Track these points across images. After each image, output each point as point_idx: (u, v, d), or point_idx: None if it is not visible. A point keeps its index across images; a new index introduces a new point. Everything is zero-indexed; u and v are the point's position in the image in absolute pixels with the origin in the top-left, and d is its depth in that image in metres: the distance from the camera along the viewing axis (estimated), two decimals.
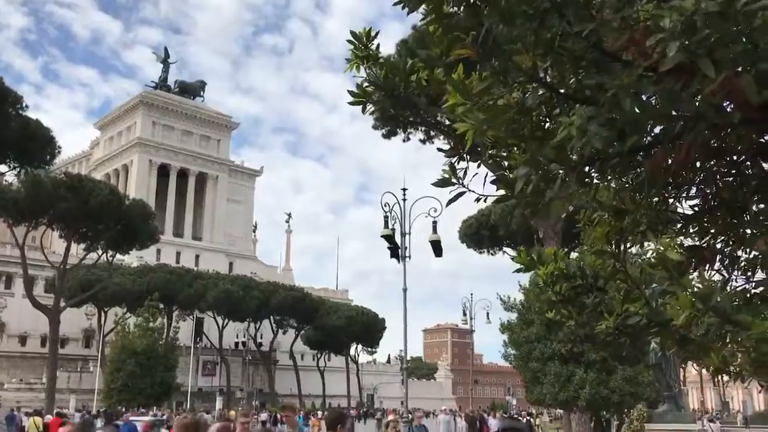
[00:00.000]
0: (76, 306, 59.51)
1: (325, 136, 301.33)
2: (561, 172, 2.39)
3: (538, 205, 2.56)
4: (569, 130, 2.22)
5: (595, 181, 3.06)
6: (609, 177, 3.08)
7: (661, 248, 3.41)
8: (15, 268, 69.55)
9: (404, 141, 37.39)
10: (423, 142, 37.38)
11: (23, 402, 54.26)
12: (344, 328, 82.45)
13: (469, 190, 2.57)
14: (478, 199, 2.59)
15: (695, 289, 2.72)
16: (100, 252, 51.25)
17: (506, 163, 2.69)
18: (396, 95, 2.75)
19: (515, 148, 2.57)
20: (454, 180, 2.56)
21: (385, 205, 22.74)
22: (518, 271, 3.41)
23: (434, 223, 23.39)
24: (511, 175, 2.54)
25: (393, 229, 23.02)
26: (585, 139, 2.19)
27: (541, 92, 2.46)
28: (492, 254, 49.97)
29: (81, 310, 71.18)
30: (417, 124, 37.37)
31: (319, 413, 54.59)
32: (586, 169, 2.68)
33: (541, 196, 2.50)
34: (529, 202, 2.55)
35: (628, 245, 3.58)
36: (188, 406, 57.91)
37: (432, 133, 37.13)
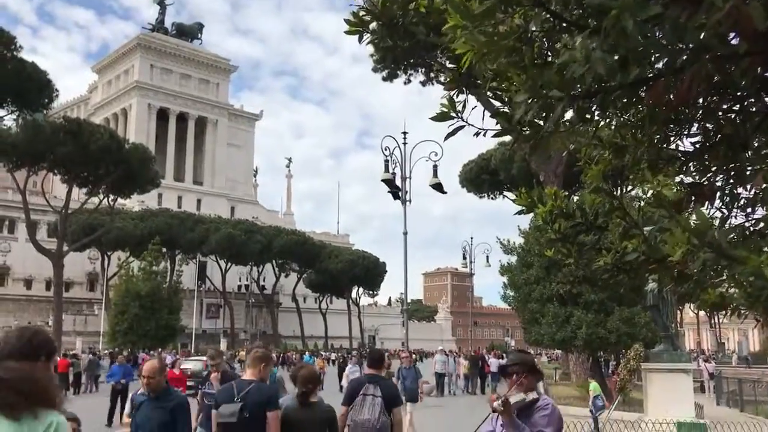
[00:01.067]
0: (79, 250, 59.98)
1: (326, 79, 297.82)
2: (561, 100, 2.34)
3: (537, 139, 2.53)
4: (571, 55, 2.18)
5: (596, 117, 3.02)
6: (610, 113, 3.04)
7: (660, 186, 3.40)
8: (17, 213, 69.74)
9: (405, 83, 36.93)
10: (423, 84, 36.92)
11: None
12: (345, 271, 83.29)
13: (469, 124, 2.54)
14: (477, 134, 2.56)
15: (692, 226, 2.71)
16: (101, 196, 51.31)
17: (506, 98, 2.65)
18: (394, 24, 2.67)
19: (515, 81, 2.52)
20: (452, 114, 2.52)
21: (386, 149, 22.65)
22: (519, 212, 3.41)
23: (435, 166, 23.33)
24: (510, 109, 2.50)
25: (394, 173, 22.99)
26: (588, 65, 2.15)
27: (544, 18, 2.40)
28: (492, 198, 50.07)
29: (84, 254, 71.77)
30: (417, 66, 36.87)
31: (323, 353, 55.65)
32: (587, 102, 2.64)
33: (540, 129, 2.47)
34: (528, 136, 2.52)
35: (627, 184, 3.57)
36: (192, 348, 58.89)
37: (432, 75, 36.64)
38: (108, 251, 68.61)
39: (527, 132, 2.54)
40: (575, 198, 3.87)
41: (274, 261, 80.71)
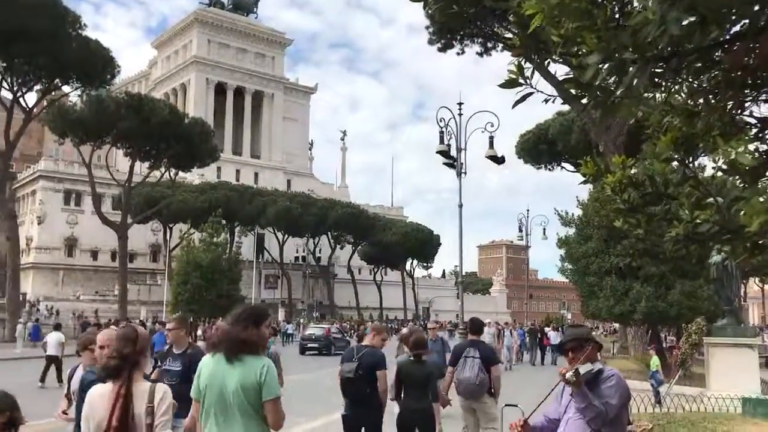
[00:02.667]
0: (142, 222, 61.83)
1: (381, 51, 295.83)
2: (635, 63, 2.28)
3: (608, 105, 2.47)
4: (646, 15, 2.11)
5: (668, 83, 2.93)
6: (683, 78, 2.95)
7: (734, 154, 3.28)
8: (84, 186, 72.12)
9: (459, 54, 36.39)
10: (480, 54, 36.33)
11: (99, 311, 57.57)
12: (399, 243, 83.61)
13: (538, 91, 2.50)
14: (546, 101, 2.52)
15: None
16: (163, 170, 52.61)
17: (576, 63, 2.59)
18: None
19: (587, 44, 2.46)
20: (521, 80, 2.48)
21: (441, 121, 22.51)
22: (584, 182, 3.35)
23: (491, 137, 23.09)
24: (579, 74, 2.45)
25: (449, 145, 22.86)
26: (663, 26, 2.08)
27: None
28: (550, 170, 49.31)
29: (147, 226, 73.90)
30: (473, 36, 36.28)
31: (376, 323, 56.13)
32: (661, 66, 2.57)
33: (611, 93, 2.41)
34: (600, 101, 2.46)
35: (699, 152, 3.46)
36: None
37: (489, 45, 36.02)
38: (169, 223, 70.49)
39: (599, 98, 2.49)
40: (643, 167, 3.78)
41: (329, 233, 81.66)
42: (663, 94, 3.17)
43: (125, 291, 50.57)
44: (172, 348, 6.76)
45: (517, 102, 2.63)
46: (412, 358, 7.14)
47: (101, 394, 3.64)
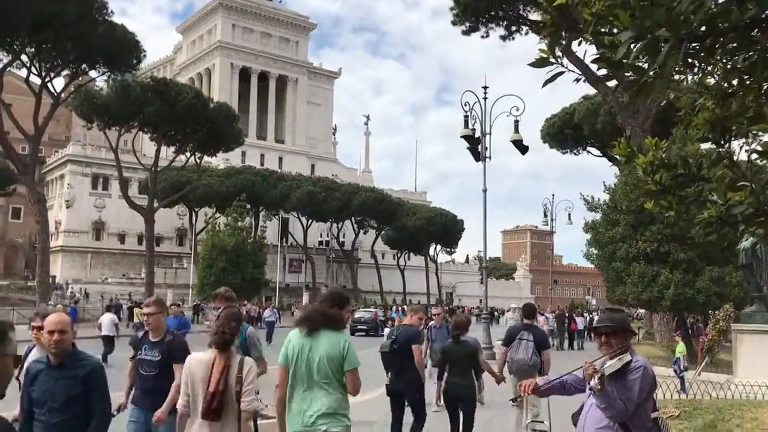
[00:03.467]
0: (169, 206, 62.44)
1: (406, 34, 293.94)
2: (668, 41, 2.22)
3: (640, 85, 2.42)
4: None
5: (701, 64, 2.87)
6: (718, 58, 2.88)
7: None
8: (111, 171, 73.02)
9: (483, 37, 36.10)
10: (504, 38, 36.01)
11: (126, 294, 58.47)
12: (423, 229, 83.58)
13: (569, 70, 2.46)
14: (577, 80, 2.48)
15: None
16: (188, 154, 53.04)
17: (608, 42, 2.54)
18: None
19: (621, 20, 2.40)
20: (552, 59, 2.44)
21: (465, 105, 22.35)
22: (616, 162, 3.31)
23: (516, 122, 22.89)
24: (612, 54, 2.40)
25: (473, 129, 22.70)
26: (698, 2, 2.02)
27: None
28: (575, 154, 48.79)
29: (173, 210, 74.69)
30: (498, 19, 35.93)
31: (414, 304, 56.34)
32: (695, 45, 2.51)
33: (644, 73, 2.36)
34: (631, 81, 2.42)
35: (732, 134, 3.39)
36: (276, 301, 60.81)
37: (513, 28, 35.66)
38: (195, 207, 71.21)
39: (631, 79, 2.44)
40: (676, 148, 3.70)
41: (352, 218, 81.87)
42: (696, 76, 3.10)
43: (152, 274, 51.22)
44: (147, 335, 5.85)
45: (548, 81, 2.59)
46: (453, 339, 7.97)
47: (199, 361, 4.31)
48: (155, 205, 51.35)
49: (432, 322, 12.39)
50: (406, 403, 7.89)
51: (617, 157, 3.27)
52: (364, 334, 34.79)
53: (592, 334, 4.31)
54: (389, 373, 7.81)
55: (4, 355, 2.35)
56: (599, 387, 3.60)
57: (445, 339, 10.18)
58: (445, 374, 7.91)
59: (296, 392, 4.56)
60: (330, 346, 4.53)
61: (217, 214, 61.77)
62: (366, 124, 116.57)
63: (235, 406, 4.16)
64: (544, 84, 2.55)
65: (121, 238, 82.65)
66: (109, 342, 18.86)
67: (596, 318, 4.11)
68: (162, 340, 5.68)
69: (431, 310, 14.20)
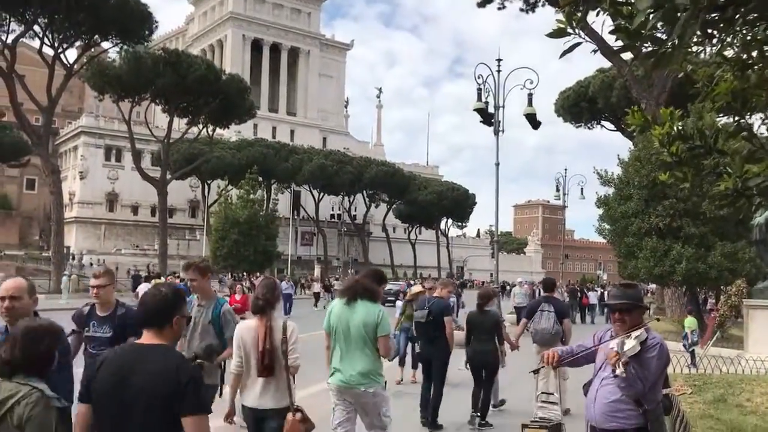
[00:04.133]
0: (181, 178, 62.66)
1: (419, 5, 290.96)
2: (687, 10, 2.21)
3: (658, 56, 2.41)
4: None
5: (720, 35, 2.84)
6: (737, 29, 2.86)
7: None
8: (123, 142, 73.30)
9: (499, 8, 35.60)
10: (525, 11, 35.50)
11: (139, 266, 58.99)
12: (434, 202, 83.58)
13: (587, 41, 2.44)
14: (594, 51, 2.46)
15: None
16: (200, 126, 53.06)
17: (627, 12, 2.52)
18: None
19: None
20: (570, 30, 2.42)
21: (479, 77, 22.15)
22: (631, 132, 3.29)
23: (530, 95, 22.66)
24: (630, 24, 2.38)
25: (486, 102, 22.52)
26: None
27: None
28: (589, 128, 48.40)
29: (186, 182, 75.00)
30: None
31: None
32: (714, 16, 2.48)
33: (662, 44, 2.34)
34: (649, 52, 2.40)
35: (751, 106, 3.36)
36: (288, 273, 61.20)
37: (532, 0, 35.19)
38: (207, 180, 71.44)
39: (649, 49, 2.43)
40: (693, 120, 3.67)
41: (364, 191, 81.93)
42: (714, 47, 3.07)
43: (165, 246, 51.58)
44: (94, 309, 5.22)
45: (565, 52, 2.58)
46: (477, 309, 8.68)
47: (247, 327, 4.86)
48: (168, 177, 51.52)
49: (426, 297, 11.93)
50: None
51: (631, 126, 3.25)
52: (392, 304, 35.39)
53: (606, 310, 4.33)
54: (419, 342, 8.67)
55: (182, 317, 3.02)
56: (624, 374, 3.63)
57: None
58: (471, 341, 8.65)
59: (337, 353, 5.37)
60: (367, 314, 5.30)
61: (230, 187, 61.97)
62: (378, 96, 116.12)
63: (282, 362, 4.67)
64: (562, 54, 2.54)
65: (134, 209, 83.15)
66: (288, 298, 20.34)
67: (609, 293, 4.12)
68: (113, 315, 5.15)
69: (424, 285, 13.95)
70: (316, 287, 38.38)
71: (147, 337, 2.88)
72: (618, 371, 3.63)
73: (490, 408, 8.86)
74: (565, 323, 9.05)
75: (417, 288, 9.71)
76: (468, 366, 8.75)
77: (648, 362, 3.73)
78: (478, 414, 8.51)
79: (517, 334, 9.50)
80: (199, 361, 4.76)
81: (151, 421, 2.69)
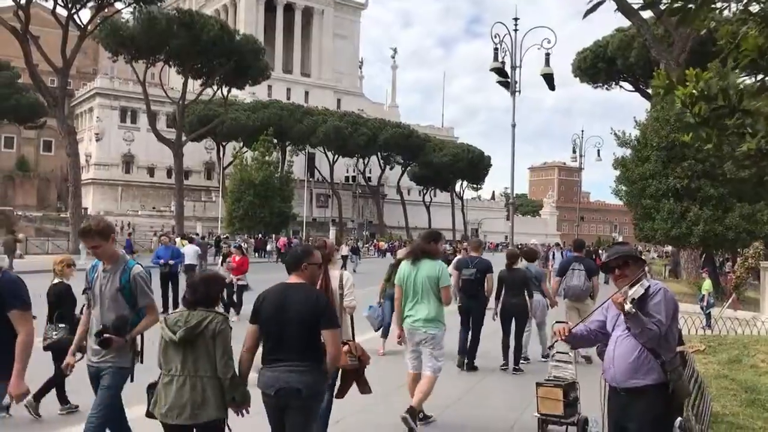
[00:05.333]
0: (196, 140, 62.77)
1: None
2: None
3: (684, 12, 2.38)
4: None
5: None
6: None
7: None
8: (139, 104, 73.35)
9: None
10: None
11: (155, 227, 59.58)
12: (449, 164, 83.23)
13: None
14: (616, 9, 2.43)
15: None
16: (215, 88, 52.91)
17: None
18: None
19: None
20: None
21: (496, 37, 21.86)
22: (649, 97, 3.26)
23: (547, 55, 22.38)
24: None
25: (503, 62, 22.26)
26: None
27: None
28: (607, 89, 47.71)
29: (201, 144, 75.13)
30: None
31: (475, 239, 56.57)
32: None
33: (687, 0, 2.32)
34: (674, 9, 2.38)
35: None
36: (304, 234, 61.60)
37: None
38: (223, 141, 71.50)
39: (673, 5, 2.40)
40: (716, 79, 3.61)
41: (379, 153, 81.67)
42: (740, 4, 3.02)
43: (182, 207, 51.94)
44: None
45: (589, 11, 2.55)
46: (506, 267, 9.71)
47: None
48: (183, 138, 51.61)
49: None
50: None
51: (655, 89, 3.21)
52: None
53: (605, 273, 4.35)
54: (461, 295, 9.49)
55: (310, 264, 4.28)
56: (634, 311, 3.69)
57: None
58: (502, 295, 9.59)
59: (407, 303, 6.52)
60: (429, 270, 6.50)
61: (245, 149, 62.04)
62: (393, 57, 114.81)
63: (340, 306, 5.38)
64: (586, 14, 2.51)
65: (151, 171, 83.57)
66: (191, 270, 19.70)
67: (603, 256, 4.18)
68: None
69: (465, 247, 14.06)
70: (344, 250, 38.41)
71: (292, 278, 4.27)
72: (627, 307, 3.68)
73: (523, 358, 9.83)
74: (594, 280, 9.90)
75: (405, 252, 9.81)
76: (496, 317, 9.62)
77: (656, 307, 3.78)
78: (507, 363, 9.55)
79: (554, 291, 10.39)
80: (106, 335, 4.51)
81: (301, 333, 4.05)
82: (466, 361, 9.50)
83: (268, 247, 45.35)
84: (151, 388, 4.15)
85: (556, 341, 4.70)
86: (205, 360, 3.97)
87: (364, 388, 5.15)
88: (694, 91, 3.14)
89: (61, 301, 6.94)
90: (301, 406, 4.07)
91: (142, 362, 4.81)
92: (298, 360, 4.03)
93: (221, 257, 15.86)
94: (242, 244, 19.72)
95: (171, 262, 15.75)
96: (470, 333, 9.50)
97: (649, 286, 3.84)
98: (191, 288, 4.13)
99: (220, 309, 4.29)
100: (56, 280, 7.12)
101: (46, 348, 6.77)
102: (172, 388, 3.97)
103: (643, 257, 4.08)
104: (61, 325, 6.81)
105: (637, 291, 3.78)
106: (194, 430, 4.02)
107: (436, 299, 6.45)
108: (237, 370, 4.06)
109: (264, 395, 4.13)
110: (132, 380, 4.72)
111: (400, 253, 10.17)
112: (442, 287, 6.43)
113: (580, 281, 9.80)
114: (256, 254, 45.04)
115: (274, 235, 50.72)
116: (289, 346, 4.05)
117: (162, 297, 15.23)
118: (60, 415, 6.86)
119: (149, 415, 4.12)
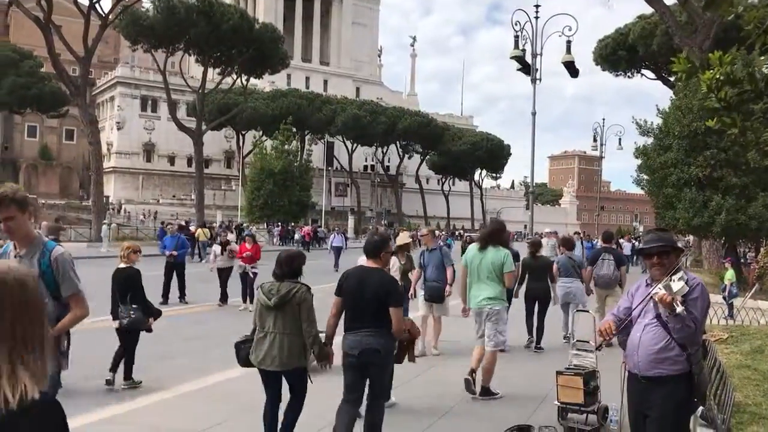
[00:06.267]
0: (216, 129, 63.07)
1: None
2: None
3: None
4: None
5: None
6: None
7: None
8: (159, 93, 73.82)
9: None
10: None
11: (176, 216, 60.08)
12: (468, 153, 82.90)
13: None
14: None
15: None
16: (234, 76, 53.06)
17: None
18: None
19: None
20: None
21: (516, 24, 21.69)
22: (673, 80, 3.21)
23: (568, 42, 22.19)
24: None
25: (524, 50, 22.09)
26: None
27: None
28: (629, 77, 47.10)
29: (221, 132, 75.55)
30: None
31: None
32: None
33: None
34: None
35: None
36: (323, 223, 61.77)
37: None
38: (242, 130, 71.80)
39: None
40: (741, 64, 3.55)
41: (397, 142, 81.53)
42: None
43: (202, 196, 52.28)
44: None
45: None
46: (530, 255, 10.61)
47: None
48: (203, 127, 51.87)
49: (422, 247, 10.34)
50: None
51: (676, 72, 3.17)
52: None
53: (641, 257, 4.29)
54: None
55: (386, 252, 5.39)
56: (685, 312, 3.59)
57: (437, 266, 9.51)
58: (526, 280, 10.50)
59: (472, 284, 7.42)
60: (495, 256, 7.35)
61: (264, 137, 62.23)
62: (412, 45, 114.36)
63: None
64: None
65: (171, 159, 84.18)
66: (338, 251, 24.56)
67: (643, 240, 4.05)
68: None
69: (420, 232, 13.25)
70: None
71: (369, 263, 5.30)
72: (678, 310, 3.58)
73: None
74: (622, 270, 10.57)
75: (405, 237, 10.18)
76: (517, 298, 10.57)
77: (693, 303, 3.72)
78: (532, 339, 10.37)
79: (587, 280, 10.88)
80: None
81: (375, 307, 5.05)
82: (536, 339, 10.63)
83: (296, 236, 45.67)
84: (240, 344, 5.24)
85: (602, 343, 4.47)
86: (292, 321, 4.99)
87: (413, 357, 5.90)
88: (720, 75, 3.09)
89: (130, 285, 7.70)
90: (380, 363, 5.13)
91: (67, 367, 4.10)
92: (374, 327, 5.05)
93: (219, 246, 15.92)
94: (253, 233, 19.78)
95: (175, 253, 15.69)
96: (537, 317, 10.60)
97: (687, 280, 3.76)
98: (279, 264, 5.14)
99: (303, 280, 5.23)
100: (122, 265, 7.96)
101: (122, 329, 7.58)
102: (266, 342, 5.03)
103: (679, 246, 4.02)
104: (134, 306, 7.61)
105: (682, 289, 3.67)
106: (283, 376, 5.11)
107: (500, 281, 7.33)
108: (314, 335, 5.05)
109: (348, 356, 5.14)
110: (60, 386, 4.32)
111: (399, 239, 9.91)
112: (506, 272, 7.32)
113: (609, 270, 10.45)
114: (281, 242, 46.33)
115: (298, 224, 51.14)
116: (367, 316, 5.08)
117: (164, 286, 15.27)
118: (123, 389, 7.56)
119: (246, 364, 5.17)
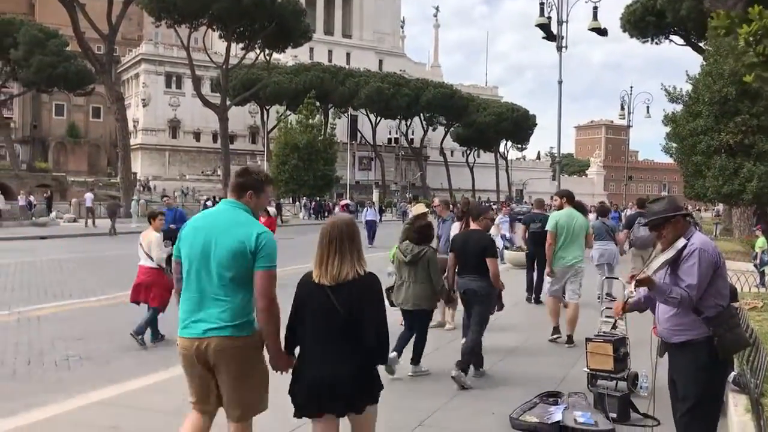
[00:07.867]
0: (240, 104, 63.22)
1: None
2: None
3: None
4: None
5: None
6: None
7: None
8: (183, 69, 74.02)
9: None
10: None
11: (203, 191, 60.59)
12: (493, 124, 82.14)
13: None
14: None
15: None
16: (257, 51, 53.00)
17: None
18: None
19: None
20: None
21: None
22: (715, 35, 3.12)
23: (595, 8, 21.84)
24: None
25: (549, 18, 21.73)
26: None
27: None
28: (657, 44, 46.11)
29: (245, 108, 75.65)
30: None
31: (538, 198, 56.69)
32: None
33: None
34: None
35: None
36: (347, 197, 61.87)
37: None
38: (266, 105, 71.84)
39: None
40: None
41: (421, 114, 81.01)
42: None
43: (228, 171, 52.57)
44: None
45: None
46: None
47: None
48: (227, 103, 52.02)
49: (438, 216, 10.62)
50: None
51: (715, 28, 3.08)
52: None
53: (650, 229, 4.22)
54: (528, 245, 12.22)
55: (485, 218, 7.02)
56: (647, 287, 3.75)
57: (447, 233, 9.59)
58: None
59: (561, 246, 8.49)
60: (582, 221, 8.63)
61: (288, 112, 62.27)
62: (435, 16, 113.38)
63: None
64: None
65: (197, 136, 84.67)
66: (372, 226, 26.31)
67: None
68: None
69: (433, 201, 12.49)
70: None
71: (473, 225, 6.95)
72: (641, 290, 3.79)
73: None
74: None
75: (421, 207, 8.94)
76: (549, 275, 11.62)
77: (688, 271, 3.65)
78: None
79: (622, 242, 12.20)
80: None
81: (477, 259, 6.62)
82: (534, 296, 12.04)
83: (336, 210, 46.10)
84: (388, 290, 6.77)
85: (616, 320, 4.93)
86: (423, 273, 6.72)
87: (500, 305, 7.29)
88: (758, 29, 3.01)
89: None
90: (480, 301, 6.69)
91: None
92: (476, 274, 6.63)
93: None
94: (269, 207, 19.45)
95: (172, 226, 14.36)
96: (535, 273, 11.87)
97: (684, 247, 3.70)
98: (417, 233, 6.92)
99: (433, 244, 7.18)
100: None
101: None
102: (403, 289, 6.81)
103: (682, 211, 3.89)
104: None
105: (663, 259, 3.71)
106: (414, 314, 6.76)
107: (582, 243, 8.62)
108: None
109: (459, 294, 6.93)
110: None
111: (415, 209, 9.09)
112: (587, 234, 8.74)
113: (646, 232, 10.72)
114: (315, 216, 49.63)
115: (330, 199, 51.53)
116: (470, 266, 6.68)
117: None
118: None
119: (392, 305, 6.62)
